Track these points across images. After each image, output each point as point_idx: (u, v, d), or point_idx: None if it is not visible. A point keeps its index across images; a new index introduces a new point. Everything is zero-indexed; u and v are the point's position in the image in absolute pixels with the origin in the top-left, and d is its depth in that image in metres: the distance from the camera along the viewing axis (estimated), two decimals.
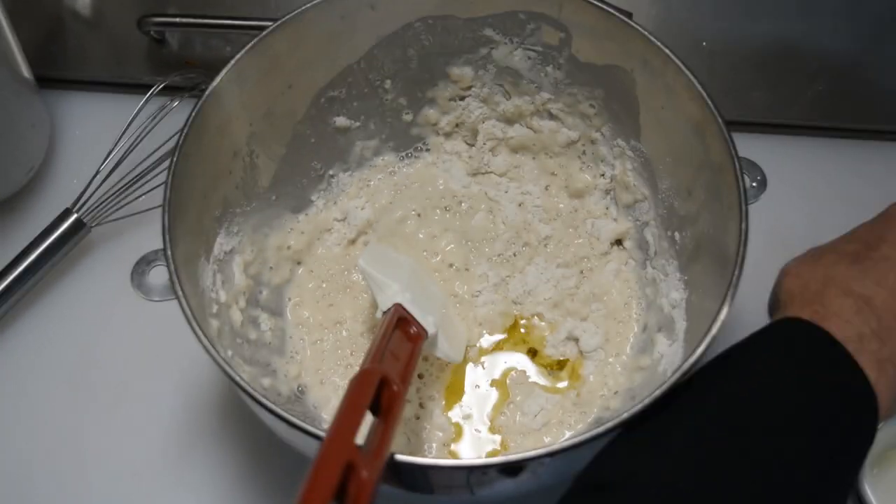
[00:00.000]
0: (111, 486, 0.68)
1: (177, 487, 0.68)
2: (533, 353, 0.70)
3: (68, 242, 0.73)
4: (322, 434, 0.49)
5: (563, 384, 0.68)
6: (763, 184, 0.60)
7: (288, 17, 0.63)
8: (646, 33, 0.61)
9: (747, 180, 0.58)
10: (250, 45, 0.61)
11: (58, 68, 0.85)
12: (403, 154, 0.77)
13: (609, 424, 0.50)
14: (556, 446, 0.49)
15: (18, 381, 0.72)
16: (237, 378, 0.52)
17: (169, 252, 0.55)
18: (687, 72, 0.60)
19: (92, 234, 0.74)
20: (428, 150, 0.77)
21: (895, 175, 0.80)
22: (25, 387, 0.72)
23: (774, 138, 0.81)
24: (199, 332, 0.53)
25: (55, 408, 0.71)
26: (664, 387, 0.51)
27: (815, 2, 0.87)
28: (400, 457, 0.49)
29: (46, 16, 0.87)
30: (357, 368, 0.64)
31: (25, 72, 0.75)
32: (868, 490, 0.60)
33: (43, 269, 0.73)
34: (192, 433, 0.70)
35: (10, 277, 0.72)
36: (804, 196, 0.78)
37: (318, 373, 0.69)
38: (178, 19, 0.79)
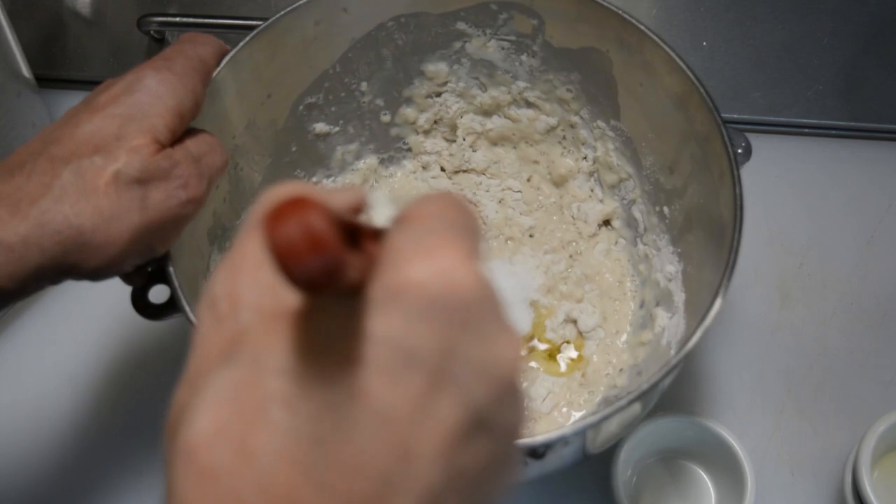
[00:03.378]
0: (110, 489, 0.67)
1: None
2: (532, 340, 0.70)
3: None
4: None
5: (566, 366, 0.69)
6: (748, 151, 0.61)
7: (263, 25, 0.63)
8: (619, 12, 0.62)
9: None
10: (228, 57, 0.60)
11: (58, 68, 0.85)
12: (385, 157, 0.77)
13: (625, 400, 0.50)
14: (588, 420, 0.49)
15: (17, 380, 0.72)
16: None
17: (171, 269, 0.55)
18: (664, 46, 0.61)
19: None
20: (409, 149, 0.77)
21: (894, 176, 0.81)
22: (24, 386, 0.71)
23: (774, 138, 0.82)
24: None
25: (53, 412, 0.70)
26: (671, 363, 0.52)
27: (815, 2, 0.88)
28: None
29: (47, 16, 0.87)
30: None
31: (26, 71, 0.75)
32: (870, 492, 0.61)
33: None
34: None
35: None
36: (804, 196, 0.79)
37: None
38: (178, 19, 0.79)
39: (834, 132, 0.83)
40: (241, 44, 0.62)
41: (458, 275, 0.28)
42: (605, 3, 0.63)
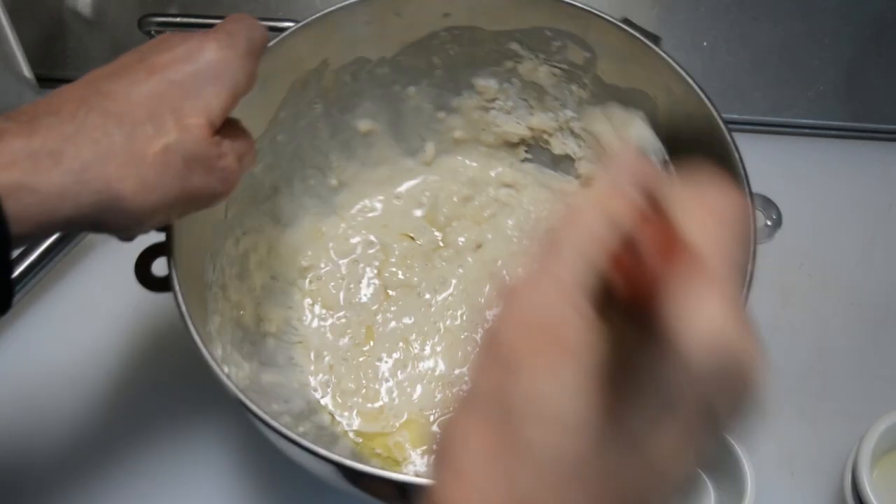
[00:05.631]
0: (113, 484, 0.68)
1: (180, 480, 0.68)
2: None
3: (66, 246, 0.72)
4: (309, 446, 0.49)
5: None
6: (778, 222, 0.59)
7: (312, 18, 0.63)
8: (670, 60, 0.61)
9: (762, 218, 0.57)
10: (271, 44, 0.61)
11: (59, 68, 0.86)
12: None
13: None
14: None
15: (22, 377, 0.72)
16: (224, 378, 0.52)
17: (172, 250, 0.55)
18: (709, 104, 0.59)
19: (90, 235, 0.73)
20: None
21: (894, 176, 0.80)
22: (30, 382, 0.72)
23: (775, 138, 0.81)
24: (193, 329, 0.53)
25: (57, 406, 0.70)
26: None
27: (816, 2, 0.87)
28: (411, 479, 0.49)
29: (47, 16, 0.87)
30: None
31: (26, 71, 0.76)
32: (869, 491, 0.60)
33: (42, 271, 0.71)
34: (200, 426, 0.70)
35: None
36: (804, 196, 0.78)
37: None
38: (179, 19, 0.79)
39: (834, 132, 0.82)
40: (285, 34, 0.62)
41: (743, 344, 0.29)
42: (656, 49, 0.61)
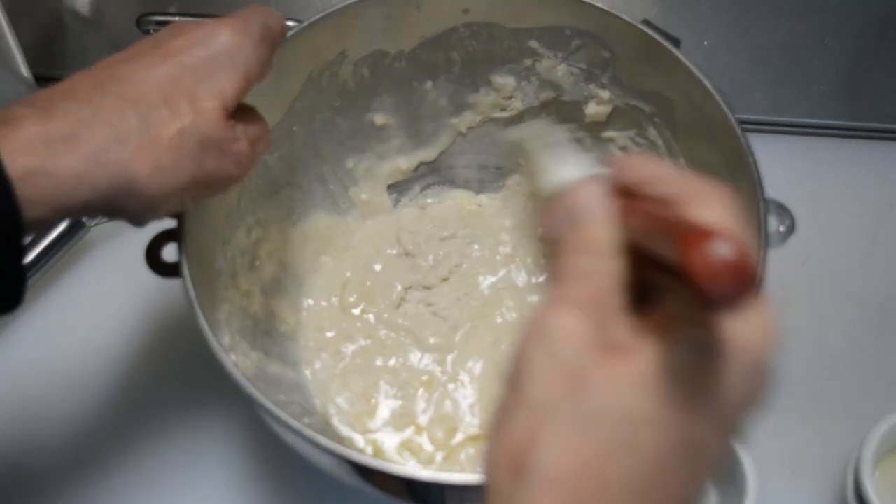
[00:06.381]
0: (118, 477, 0.68)
1: (185, 471, 0.69)
2: None
3: (67, 244, 0.73)
4: (312, 436, 0.49)
5: None
6: (791, 229, 0.59)
7: (331, 10, 0.63)
8: (688, 63, 0.60)
9: (775, 223, 0.57)
10: (290, 34, 0.61)
11: (57, 67, 0.86)
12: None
13: None
14: None
15: (24, 375, 0.72)
16: (232, 369, 0.52)
17: (183, 235, 0.55)
18: (725, 108, 0.59)
19: (91, 233, 0.74)
20: None
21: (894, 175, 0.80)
22: (32, 379, 0.72)
23: (776, 138, 0.81)
24: (200, 314, 0.53)
25: (60, 402, 0.71)
26: None
27: (817, 0, 0.86)
28: (416, 474, 0.49)
29: (46, 15, 0.88)
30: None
31: (25, 71, 0.76)
32: (870, 491, 0.60)
33: (42, 270, 0.72)
34: (206, 417, 0.70)
35: None
36: (805, 196, 0.75)
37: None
38: (177, 18, 0.79)
39: (836, 132, 0.82)
40: (306, 24, 0.62)
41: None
42: (675, 52, 0.61)
